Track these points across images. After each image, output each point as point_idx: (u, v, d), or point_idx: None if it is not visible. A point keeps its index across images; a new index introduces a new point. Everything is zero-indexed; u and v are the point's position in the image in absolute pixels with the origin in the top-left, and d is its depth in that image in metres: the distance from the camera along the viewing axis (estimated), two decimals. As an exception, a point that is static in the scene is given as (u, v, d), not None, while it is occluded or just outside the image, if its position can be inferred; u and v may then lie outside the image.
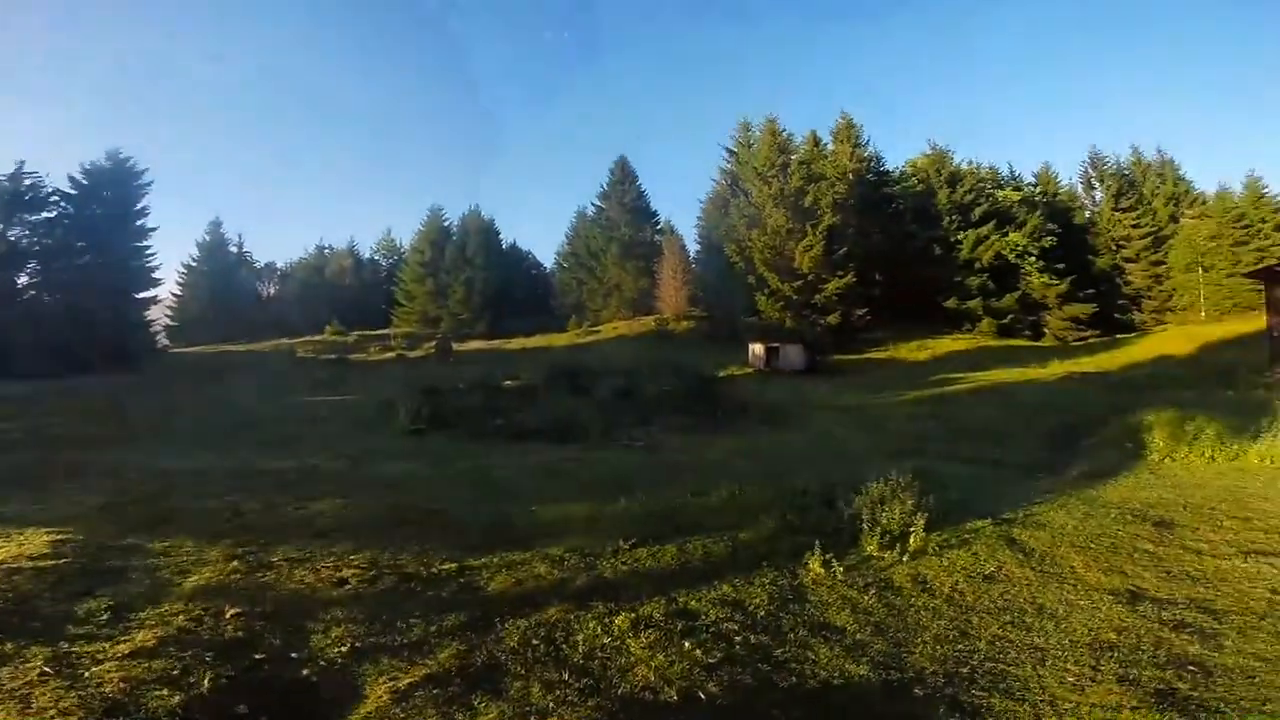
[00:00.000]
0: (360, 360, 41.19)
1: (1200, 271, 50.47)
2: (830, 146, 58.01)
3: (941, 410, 18.48)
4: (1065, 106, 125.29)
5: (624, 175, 68.05)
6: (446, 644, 3.91)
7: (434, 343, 46.56)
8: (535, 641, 4.00)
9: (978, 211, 51.24)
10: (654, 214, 69.75)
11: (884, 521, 5.82)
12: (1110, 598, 4.46)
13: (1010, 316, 48.27)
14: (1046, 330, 49.25)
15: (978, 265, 49.17)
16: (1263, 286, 27.39)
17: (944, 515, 6.37)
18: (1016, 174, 58.89)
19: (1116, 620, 4.17)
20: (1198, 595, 4.48)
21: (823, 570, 5.13)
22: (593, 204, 69.01)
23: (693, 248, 62.32)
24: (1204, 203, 57.01)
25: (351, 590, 4.72)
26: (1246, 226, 51.27)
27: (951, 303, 48.46)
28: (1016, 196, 53.53)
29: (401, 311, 62.84)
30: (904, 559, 5.28)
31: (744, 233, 45.63)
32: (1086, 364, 34.83)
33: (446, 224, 69.60)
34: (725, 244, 46.24)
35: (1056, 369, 33.01)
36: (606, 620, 4.36)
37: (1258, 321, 43.10)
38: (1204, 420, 10.34)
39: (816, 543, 5.39)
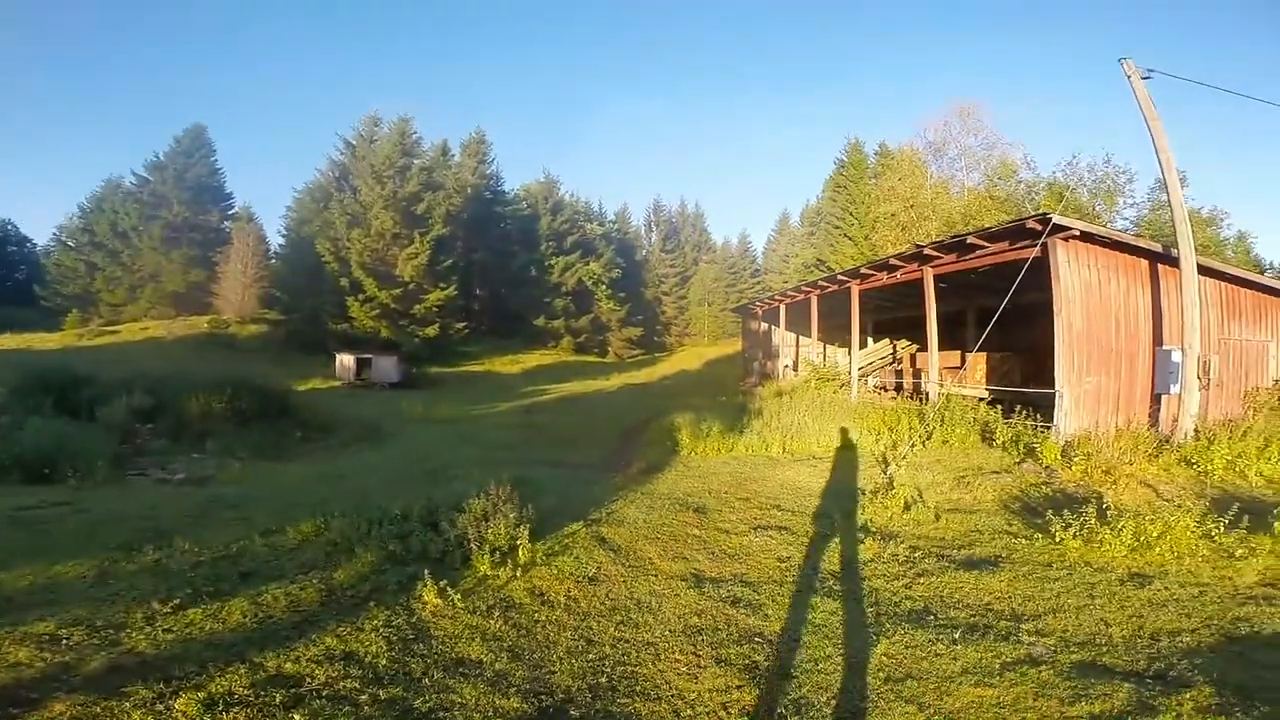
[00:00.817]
0: None
1: (706, 306, 68.25)
2: (457, 158, 57.73)
3: (532, 419, 19.90)
4: (641, 156, 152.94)
5: (194, 145, 54.38)
6: None
7: None
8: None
9: (570, 240, 58.14)
10: (228, 196, 57.59)
11: (491, 538, 5.66)
12: (683, 584, 5.21)
13: (585, 336, 56.09)
14: (610, 349, 58.95)
15: (563, 289, 55.71)
16: (740, 319, 37.88)
17: (544, 522, 6.60)
18: (604, 210, 69.35)
19: (693, 604, 4.84)
20: (737, 571, 5.59)
21: (440, 600, 4.64)
22: (134, 173, 52.65)
23: (277, 241, 53.54)
24: (713, 251, 77.71)
25: None
26: (735, 273, 71.87)
27: (540, 321, 53.55)
28: (600, 230, 62.80)
29: None
30: (518, 574, 5.20)
31: (343, 231, 41.23)
32: (637, 377, 43.00)
33: None
34: (318, 240, 40.80)
35: (617, 381, 39.72)
36: (161, 706, 3.00)
37: (736, 345, 61.31)
38: (711, 420, 13.40)
39: (426, 571, 4.89)
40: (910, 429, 12.39)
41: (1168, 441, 10.21)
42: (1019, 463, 10.06)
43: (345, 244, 40.45)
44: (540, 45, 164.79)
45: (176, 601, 4.43)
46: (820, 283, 20.53)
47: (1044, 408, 11.75)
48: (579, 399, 27.86)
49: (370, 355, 33.03)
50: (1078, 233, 11.30)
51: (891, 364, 25.04)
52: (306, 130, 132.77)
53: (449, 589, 4.73)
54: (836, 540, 6.45)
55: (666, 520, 7.06)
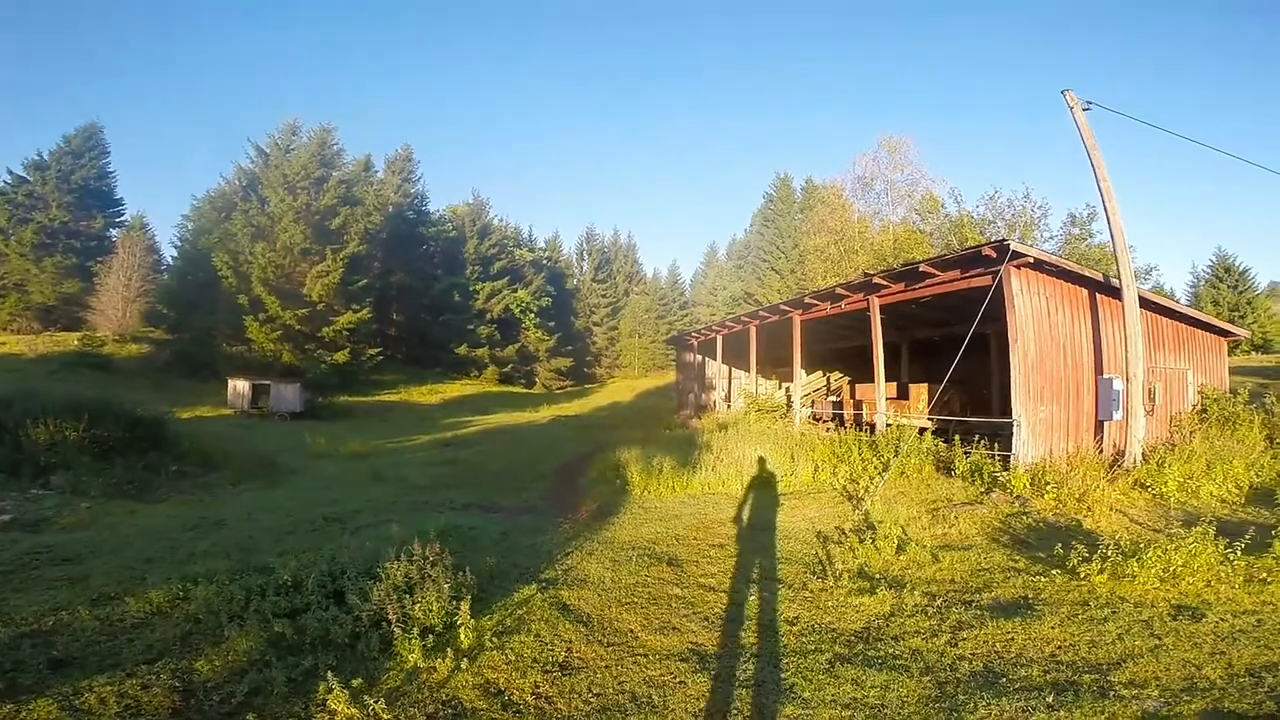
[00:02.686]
0: None
1: (638, 337, 67.77)
2: (381, 174, 54.66)
3: (456, 454, 17.98)
4: (575, 184, 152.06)
5: (84, 145, 48.88)
6: None
7: None
8: None
9: (497, 265, 55.98)
10: (118, 202, 51.94)
11: (421, 615, 4.27)
12: (684, 665, 3.98)
13: (511, 365, 53.87)
14: (538, 379, 56.95)
15: (489, 316, 53.46)
16: (674, 350, 37.34)
17: (487, 586, 5.27)
18: (534, 236, 67.79)
19: (706, 693, 3.68)
20: (745, 641, 4.47)
21: (354, 710, 3.22)
22: (10, 172, 46.70)
23: (171, 254, 48.52)
24: (645, 282, 77.64)
25: None
26: (665, 304, 71.94)
27: (463, 349, 50.94)
28: (530, 257, 61.19)
29: None
30: (462, 664, 3.81)
31: (246, 244, 37.32)
32: (568, 408, 41.35)
33: None
34: (215, 253, 36.77)
35: (547, 413, 37.95)
36: None
37: (666, 376, 61.04)
38: (661, 456, 12.34)
39: (329, 665, 3.47)
40: (863, 460, 11.87)
41: (1116, 466, 10.25)
42: (985, 493, 9.70)
43: (247, 258, 36.65)
44: (473, 67, 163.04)
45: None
46: (761, 313, 20.14)
47: (991, 436, 11.54)
48: (506, 431, 26.01)
49: (269, 382, 29.65)
50: (1032, 260, 11.24)
51: (826, 395, 25.06)
52: (223, 142, 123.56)
53: (365, 692, 3.34)
54: (842, 592, 5.46)
55: (638, 577, 5.85)
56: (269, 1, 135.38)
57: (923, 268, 12.83)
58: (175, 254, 44.80)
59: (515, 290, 55.59)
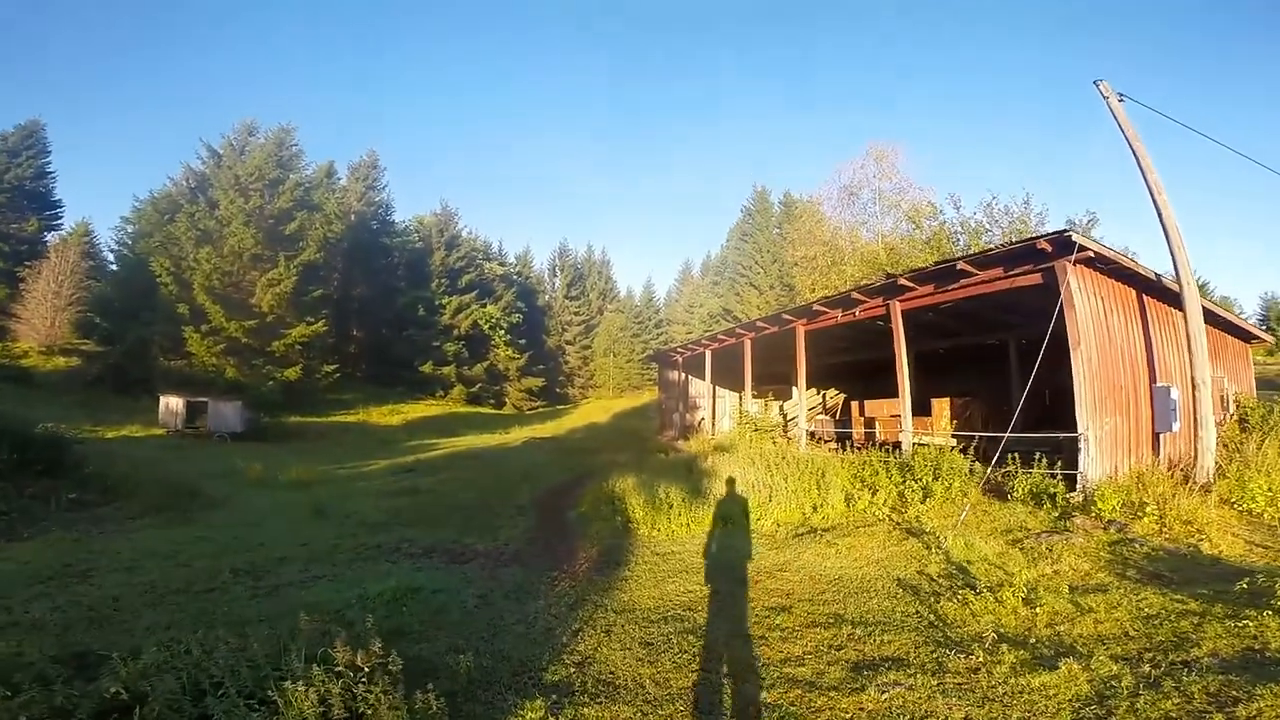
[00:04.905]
0: None
1: (612, 356, 65.68)
2: (343, 181, 51.91)
3: (417, 483, 15.55)
4: (546, 198, 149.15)
5: (23, 143, 45.67)
6: None
7: None
8: None
9: (465, 279, 53.30)
10: (55, 204, 48.39)
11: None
12: None
13: (479, 385, 51.08)
14: (508, 400, 54.26)
15: (456, 333, 50.74)
16: (656, 368, 35.46)
17: (465, 707, 3.27)
18: (504, 250, 65.43)
19: None
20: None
21: None
22: None
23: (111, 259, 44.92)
24: (619, 299, 75.71)
25: None
26: (640, 322, 70.10)
27: (428, 367, 48.10)
28: (500, 271, 58.76)
29: None
30: None
31: (189, 249, 34.25)
32: (542, 430, 38.96)
33: None
34: (155, 258, 33.62)
35: (519, 434, 35.56)
36: None
37: (643, 396, 58.91)
38: (666, 485, 10.37)
39: None
40: (895, 485, 10.14)
41: (1188, 481, 8.92)
42: (1059, 519, 8.12)
43: (190, 264, 33.48)
44: (443, 73, 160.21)
45: None
46: (759, 323, 18.45)
47: (1050, 453, 10.01)
48: (476, 455, 23.61)
49: (206, 399, 26.63)
50: (1091, 254, 9.75)
51: (823, 413, 23.46)
52: (177, 144, 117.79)
53: None
54: (1003, 670, 3.60)
55: (692, 671, 3.87)
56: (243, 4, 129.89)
57: (960, 265, 11.29)
58: (113, 260, 41.28)
59: (484, 305, 53.03)
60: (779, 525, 9.07)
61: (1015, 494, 9.21)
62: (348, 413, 38.21)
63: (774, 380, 25.76)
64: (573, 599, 5.64)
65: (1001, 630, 4.43)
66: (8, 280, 41.14)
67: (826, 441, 18.41)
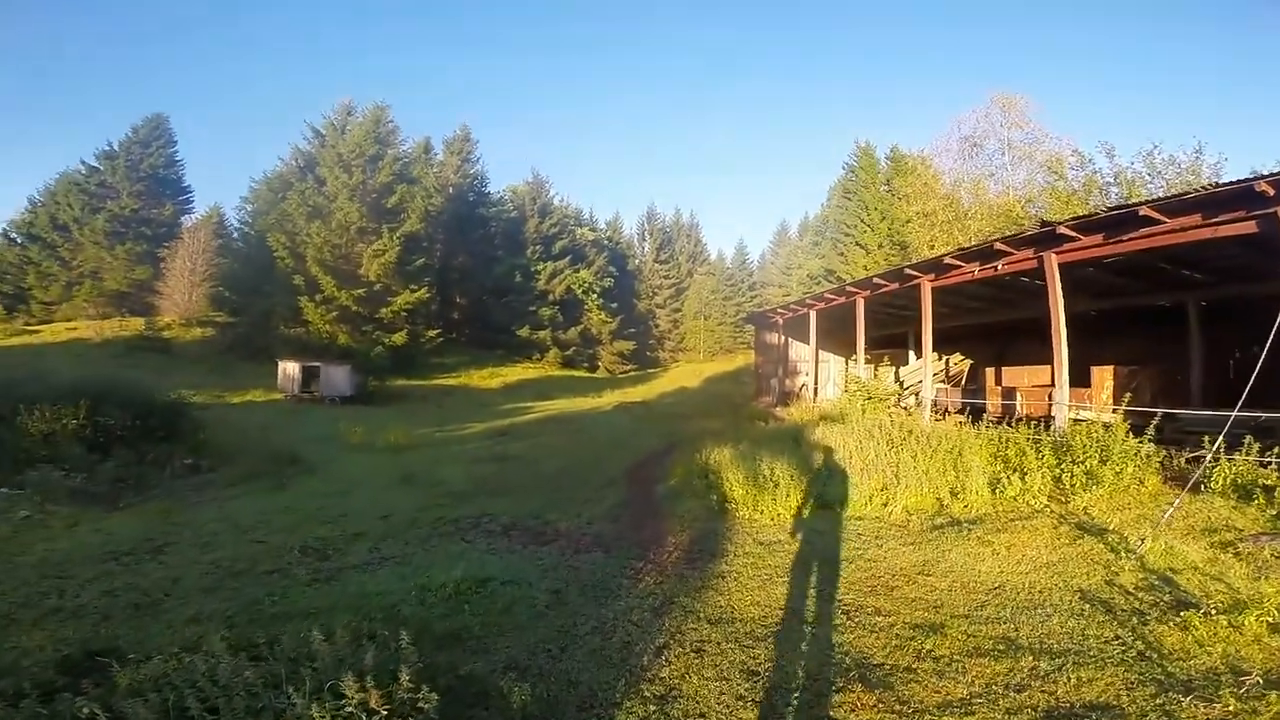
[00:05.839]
0: None
1: (703, 319, 64.19)
2: (440, 156, 53.62)
3: (507, 449, 15.23)
4: (634, 161, 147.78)
5: (152, 135, 50.06)
6: None
7: None
8: None
9: (558, 245, 53.52)
10: (186, 189, 53.16)
11: None
12: None
13: (573, 349, 51.52)
14: (600, 363, 54.41)
15: (551, 298, 51.23)
16: (753, 330, 33.74)
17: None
18: (594, 216, 65.11)
19: None
20: None
21: None
22: (84, 163, 47.87)
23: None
24: (709, 262, 73.79)
25: None
26: (733, 285, 67.97)
27: (525, 331, 48.92)
28: (591, 236, 58.47)
29: None
30: None
31: (302, 224, 36.22)
32: (633, 394, 38.49)
33: None
34: (271, 234, 35.90)
35: (610, 398, 35.23)
36: None
37: (735, 361, 57.19)
38: (770, 459, 9.09)
39: None
40: (1049, 468, 8.27)
41: None
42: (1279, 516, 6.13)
43: (304, 238, 35.52)
44: (533, 43, 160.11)
45: None
46: (875, 280, 16.45)
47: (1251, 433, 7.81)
48: (568, 420, 23.33)
49: (318, 364, 28.12)
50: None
51: (944, 380, 21.09)
52: (290, 129, 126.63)
53: None
54: None
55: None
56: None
57: (1143, 211, 9.02)
58: (238, 238, 44.75)
59: (577, 270, 53.09)
60: (910, 514, 7.60)
61: (1212, 485, 7.18)
62: (451, 376, 39.57)
63: (885, 344, 23.49)
64: (658, 600, 4.63)
65: (1239, 666, 2.96)
66: (150, 261, 45.81)
67: (950, 413, 16.31)
